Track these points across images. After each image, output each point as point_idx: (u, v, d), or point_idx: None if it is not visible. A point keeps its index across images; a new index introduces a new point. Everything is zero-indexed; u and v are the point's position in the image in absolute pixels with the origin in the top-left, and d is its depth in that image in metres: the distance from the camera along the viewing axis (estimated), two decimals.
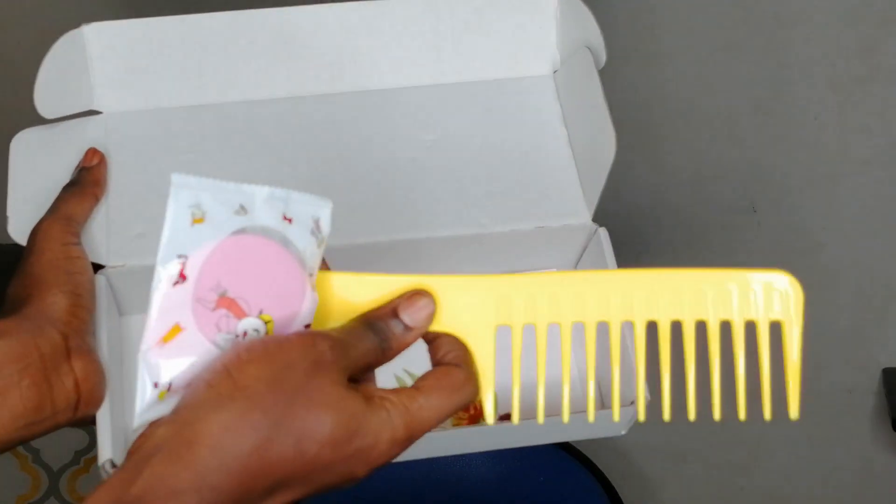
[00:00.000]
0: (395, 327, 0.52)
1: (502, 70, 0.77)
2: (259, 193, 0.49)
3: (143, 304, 0.69)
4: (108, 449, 0.62)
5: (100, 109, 0.73)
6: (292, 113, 0.74)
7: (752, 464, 1.39)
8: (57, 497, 1.38)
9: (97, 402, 0.61)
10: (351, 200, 0.71)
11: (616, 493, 1.10)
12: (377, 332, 0.51)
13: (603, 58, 0.72)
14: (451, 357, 0.52)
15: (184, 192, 0.48)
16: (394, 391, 0.50)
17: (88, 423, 0.62)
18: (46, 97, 0.70)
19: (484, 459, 1.10)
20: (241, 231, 0.48)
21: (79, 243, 0.65)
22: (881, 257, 1.30)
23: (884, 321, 1.33)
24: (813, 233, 1.30)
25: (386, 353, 0.51)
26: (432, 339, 0.54)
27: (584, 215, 0.72)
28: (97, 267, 0.67)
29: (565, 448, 1.10)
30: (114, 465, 0.62)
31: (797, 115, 1.27)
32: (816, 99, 1.26)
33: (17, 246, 0.66)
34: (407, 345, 0.53)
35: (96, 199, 0.69)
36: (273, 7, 0.75)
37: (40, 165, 0.70)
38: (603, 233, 0.71)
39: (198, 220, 0.48)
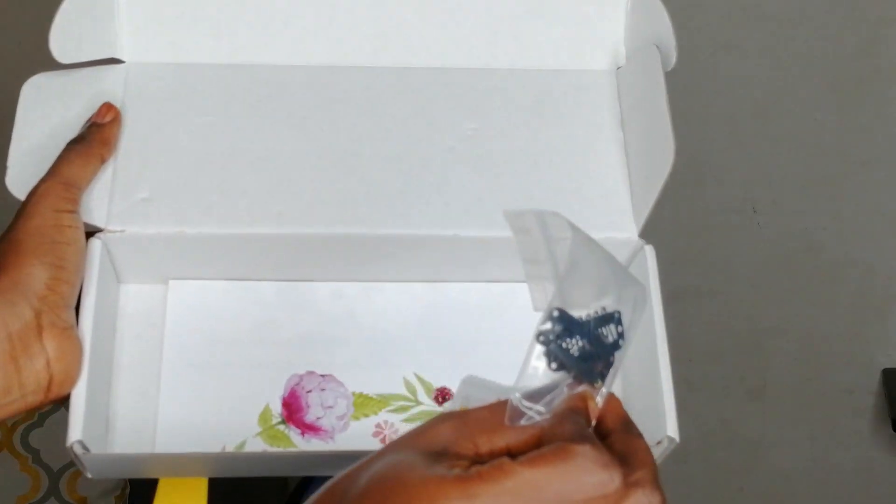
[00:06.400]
0: None
1: (561, 60, 0.70)
2: None
3: (143, 274, 0.65)
4: (77, 429, 0.57)
5: (122, 58, 0.68)
6: (327, 83, 0.68)
7: (752, 464, 1.39)
8: (57, 497, 1.38)
9: (71, 382, 0.57)
10: (377, 187, 0.66)
11: None
12: None
13: (672, 59, 0.66)
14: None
15: None
16: None
17: (62, 401, 0.58)
18: (63, 40, 0.64)
19: None
20: None
21: (74, 211, 0.60)
22: (881, 257, 1.30)
23: (884, 321, 1.33)
24: (813, 233, 1.30)
25: None
26: None
27: (631, 229, 0.65)
28: (95, 231, 0.62)
29: None
30: (84, 448, 0.57)
31: (797, 115, 1.28)
32: (816, 99, 1.26)
33: None
34: None
35: (102, 160, 0.63)
36: None
37: (49, 114, 0.65)
38: (649, 250, 0.64)
39: None
